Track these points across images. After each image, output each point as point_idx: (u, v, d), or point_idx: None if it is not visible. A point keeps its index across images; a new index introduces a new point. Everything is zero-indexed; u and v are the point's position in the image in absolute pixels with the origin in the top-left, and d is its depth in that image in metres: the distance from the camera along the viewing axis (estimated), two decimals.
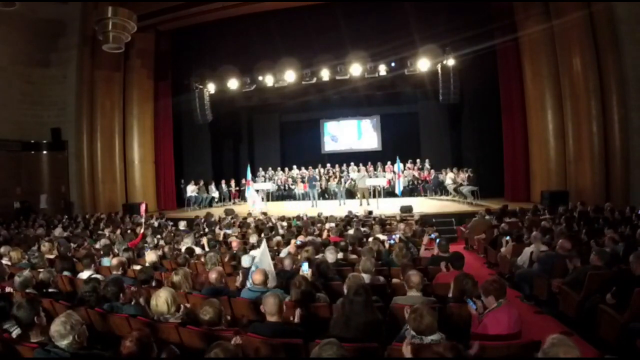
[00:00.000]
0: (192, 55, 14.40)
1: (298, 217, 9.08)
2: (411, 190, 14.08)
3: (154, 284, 4.15)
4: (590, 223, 6.92)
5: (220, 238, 7.58)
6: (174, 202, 14.62)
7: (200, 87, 13.76)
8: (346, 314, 2.73)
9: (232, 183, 14.93)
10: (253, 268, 3.91)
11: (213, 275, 3.92)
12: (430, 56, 12.01)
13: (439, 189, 13.35)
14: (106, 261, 5.41)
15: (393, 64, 12.53)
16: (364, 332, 2.63)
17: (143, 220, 8.74)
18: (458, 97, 12.11)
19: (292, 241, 6.04)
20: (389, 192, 13.55)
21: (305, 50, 12.68)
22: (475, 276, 3.33)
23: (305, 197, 14.09)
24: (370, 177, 13.25)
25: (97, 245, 6.65)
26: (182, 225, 8.72)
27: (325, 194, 14.34)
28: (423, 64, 12.14)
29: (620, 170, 9.79)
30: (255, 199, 12.28)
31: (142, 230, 7.76)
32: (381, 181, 12.63)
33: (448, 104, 12.77)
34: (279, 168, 15.72)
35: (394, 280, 4.20)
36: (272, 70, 13.07)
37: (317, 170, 14.89)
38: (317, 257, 4.84)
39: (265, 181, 14.62)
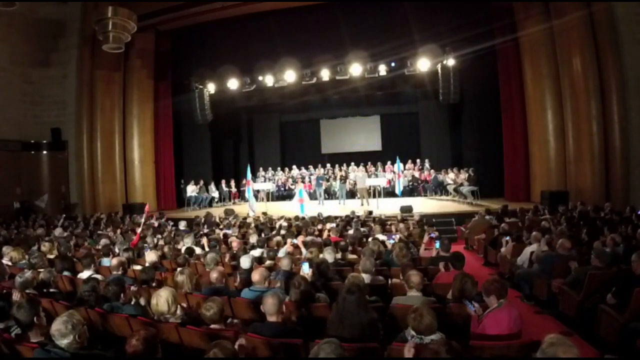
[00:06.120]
0: (192, 55, 14.40)
1: (297, 217, 9.07)
2: (411, 190, 14.08)
3: (154, 284, 4.15)
4: (591, 223, 6.92)
5: (220, 238, 7.57)
6: (174, 202, 14.62)
7: (200, 87, 13.76)
8: (340, 312, 2.71)
9: (232, 183, 14.93)
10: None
11: (214, 275, 3.92)
12: (430, 56, 12.01)
13: (439, 189, 13.35)
14: (106, 261, 5.41)
15: (393, 64, 12.54)
16: (360, 332, 2.61)
17: (142, 220, 8.74)
18: (458, 97, 12.12)
19: (289, 240, 6.06)
20: (389, 192, 13.54)
21: (305, 50, 12.68)
22: (475, 276, 3.32)
23: (311, 197, 14.05)
24: (370, 177, 13.25)
25: (98, 246, 6.64)
26: (182, 225, 8.71)
27: (326, 194, 14.33)
28: (423, 64, 12.15)
29: (620, 170, 9.78)
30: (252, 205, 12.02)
31: (138, 231, 7.75)
32: (381, 181, 12.62)
33: (448, 104, 12.78)
34: (279, 168, 15.73)
35: (394, 280, 4.19)
36: (272, 70, 13.07)
37: (318, 169, 14.89)
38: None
39: (265, 181, 14.61)
